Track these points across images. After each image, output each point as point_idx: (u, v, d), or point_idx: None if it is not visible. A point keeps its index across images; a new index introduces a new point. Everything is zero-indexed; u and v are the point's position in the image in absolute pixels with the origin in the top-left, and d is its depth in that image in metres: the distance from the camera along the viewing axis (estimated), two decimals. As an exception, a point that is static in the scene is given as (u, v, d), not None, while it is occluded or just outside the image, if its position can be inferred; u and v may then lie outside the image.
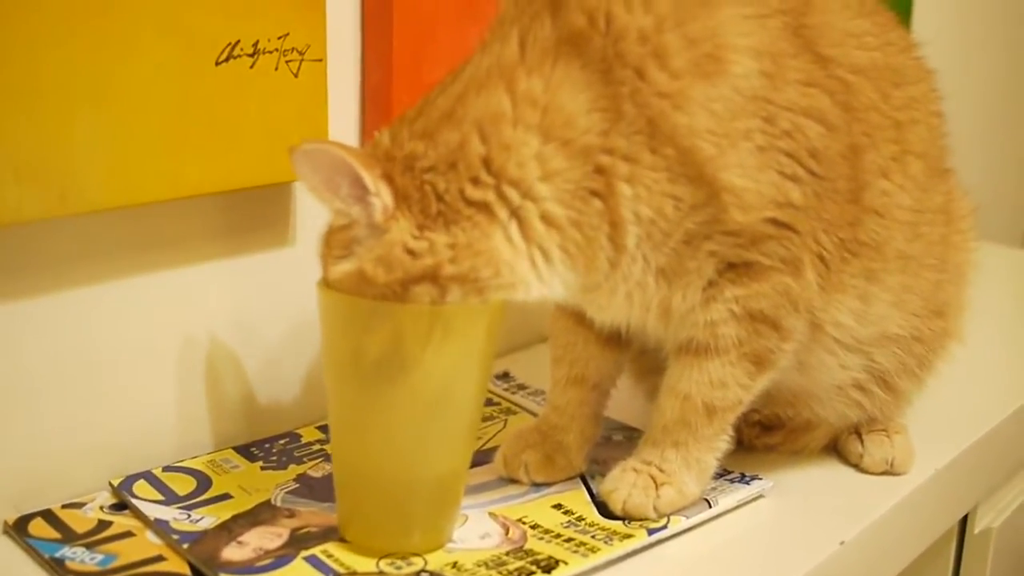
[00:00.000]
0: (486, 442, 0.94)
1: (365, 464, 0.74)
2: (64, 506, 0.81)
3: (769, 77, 0.74)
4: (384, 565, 0.74)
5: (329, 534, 0.77)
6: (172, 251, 0.86)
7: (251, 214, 0.90)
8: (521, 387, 1.07)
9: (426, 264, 0.70)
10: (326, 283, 0.73)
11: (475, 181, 0.71)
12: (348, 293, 0.71)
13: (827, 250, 0.78)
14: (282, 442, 0.92)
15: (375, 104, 0.95)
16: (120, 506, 0.82)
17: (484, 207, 0.71)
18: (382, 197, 0.70)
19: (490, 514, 0.81)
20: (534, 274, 0.73)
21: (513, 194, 0.71)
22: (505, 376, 1.09)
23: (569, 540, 0.77)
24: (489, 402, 1.02)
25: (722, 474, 0.86)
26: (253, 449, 0.91)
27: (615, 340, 0.86)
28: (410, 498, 0.75)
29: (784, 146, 0.74)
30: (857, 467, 0.91)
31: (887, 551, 0.88)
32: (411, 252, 0.70)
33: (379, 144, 0.73)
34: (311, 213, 0.76)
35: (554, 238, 0.73)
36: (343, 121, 0.94)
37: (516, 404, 1.02)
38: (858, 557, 0.82)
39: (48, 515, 0.80)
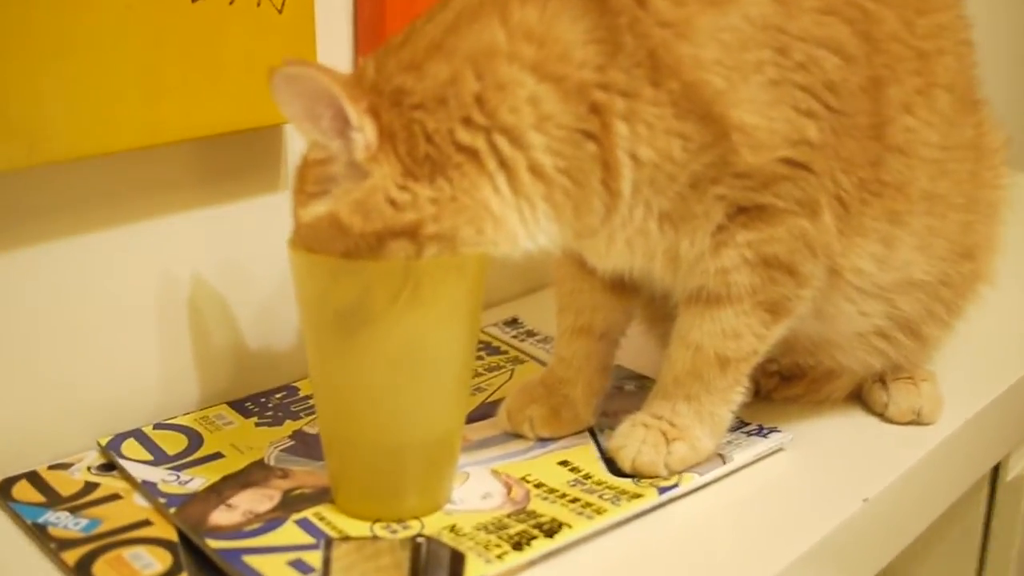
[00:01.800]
0: (491, 394, 0.90)
1: (349, 429, 0.71)
2: (51, 467, 0.78)
3: (782, 4, 0.68)
4: (378, 529, 0.71)
5: (323, 495, 0.74)
6: (154, 199, 0.82)
7: (238, 159, 0.86)
8: (530, 334, 1.03)
9: (407, 219, 0.65)
10: (296, 223, 0.69)
11: (467, 122, 0.66)
12: (318, 239, 0.67)
13: (846, 191, 0.73)
14: (278, 396, 0.89)
15: (368, 40, 0.89)
16: (109, 466, 0.79)
17: (473, 155, 0.66)
18: (365, 133, 0.65)
19: (492, 472, 0.78)
20: (522, 229, 0.69)
21: (503, 143, 0.67)
22: (513, 322, 1.05)
23: (575, 500, 0.74)
24: (495, 351, 0.99)
25: (738, 427, 0.82)
26: (248, 404, 0.87)
27: (623, 286, 0.82)
28: (399, 463, 0.71)
29: (799, 79, 0.69)
30: (882, 417, 0.87)
31: (914, 507, 0.84)
32: (392, 203, 0.65)
33: (364, 74, 0.68)
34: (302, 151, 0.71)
35: (539, 190, 0.68)
36: (333, 60, 0.89)
37: (524, 353, 0.98)
38: (883, 514, 0.78)
39: (33, 477, 0.77)
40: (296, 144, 0.87)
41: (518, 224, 0.68)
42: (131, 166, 0.79)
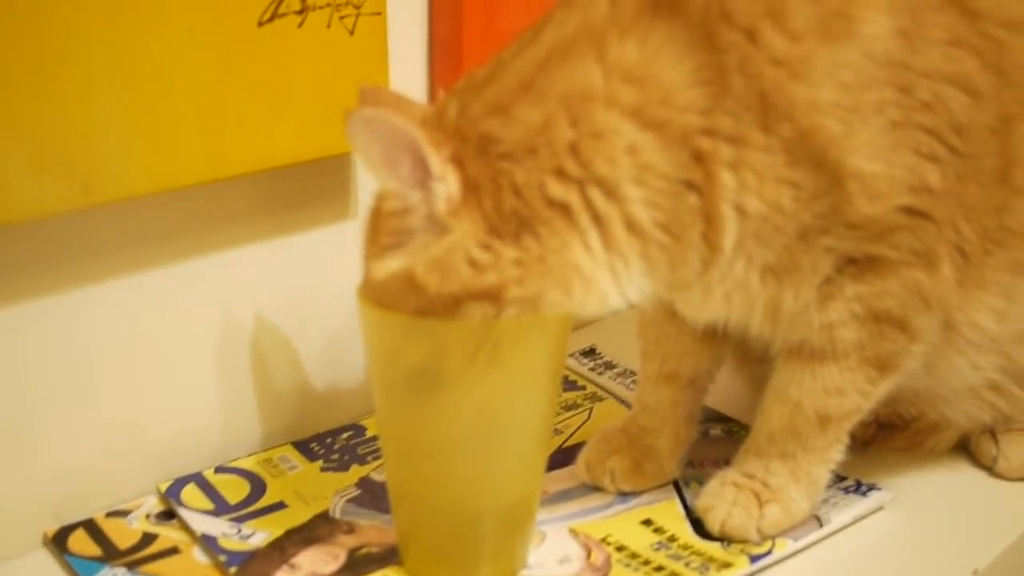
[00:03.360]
0: (568, 437, 0.85)
1: (419, 490, 0.66)
2: (108, 514, 0.75)
3: (907, 37, 0.62)
4: (450, 598, 0.66)
5: (390, 556, 0.69)
6: (215, 234, 0.77)
7: (305, 189, 0.81)
8: (609, 366, 0.97)
9: (488, 282, 0.60)
10: (366, 276, 0.64)
11: (559, 173, 0.60)
12: (389, 295, 0.61)
13: (968, 240, 0.66)
14: (345, 436, 0.84)
15: (444, 63, 0.84)
16: (168, 514, 0.75)
17: (564, 210, 0.61)
18: (448, 185, 0.60)
19: (571, 532, 0.73)
20: (613, 288, 0.63)
21: (597, 196, 0.61)
22: (591, 353, 0.99)
23: (659, 569, 0.68)
24: (572, 385, 0.93)
25: (834, 482, 0.75)
26: (313, 445, 0.83)
27: (714, 332, 0.76)
28: (474, 527, 0.66)
29: (923, 121, 0.62)
30: (990, 471, 0.81)
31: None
32: (473, 263, 0.60)
33: (445, 115, 0.63)
34: (375, 184, 0.65)
35: (634, 246, 0.62)
36: (407, 84, 0.84)
37: (603, 388, 0.93)
38: (994, 586, 0.72)
39: (90, 526, 0.73)
40: (367, 173, 0.83)
41: (609, 283, 0.62)
42: (192, 201, 0.74)
